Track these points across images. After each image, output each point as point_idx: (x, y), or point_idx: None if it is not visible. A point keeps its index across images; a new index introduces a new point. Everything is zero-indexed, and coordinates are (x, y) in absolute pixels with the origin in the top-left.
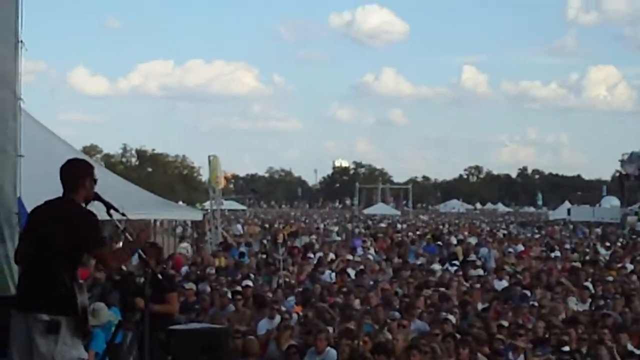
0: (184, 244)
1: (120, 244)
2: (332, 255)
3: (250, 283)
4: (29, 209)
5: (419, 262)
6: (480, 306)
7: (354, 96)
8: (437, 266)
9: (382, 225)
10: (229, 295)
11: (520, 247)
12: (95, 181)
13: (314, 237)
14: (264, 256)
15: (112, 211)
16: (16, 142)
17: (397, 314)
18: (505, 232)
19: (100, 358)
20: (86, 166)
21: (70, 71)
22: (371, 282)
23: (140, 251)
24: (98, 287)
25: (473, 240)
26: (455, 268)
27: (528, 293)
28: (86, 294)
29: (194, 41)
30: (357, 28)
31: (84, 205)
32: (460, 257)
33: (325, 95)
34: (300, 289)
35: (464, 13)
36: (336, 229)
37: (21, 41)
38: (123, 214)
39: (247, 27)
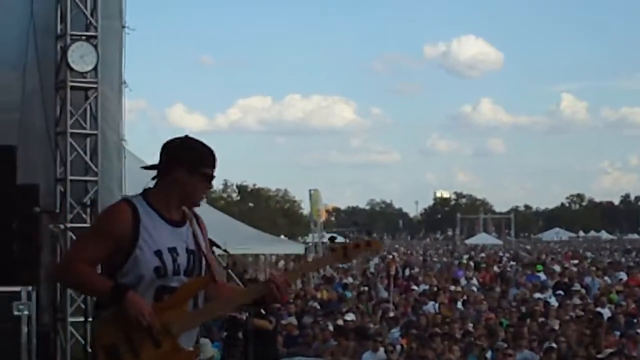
0: None
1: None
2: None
3: (352, 316)
4: None
5: (521, 292)
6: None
7: (453, 127)
8: (540, 295)
9: (484, 255)
10: (331, 328)
11: (624, 275)
12: None
13: (416, 269)
14: (367, 288)
15: (214, 247)
16: (121, 182)
17: (503, 344)
18: (610, 260)
19: None
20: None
21: (170, 108)
22: (474, 312)
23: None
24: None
25: (575, 269)
26: (559, 297)
27: (635, 320)
28: None
29: (291, 76)
30: (452, 59)
31: None
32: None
33: (423, 127)
34: (405, 321)
35: (559, 40)
36: (438, 259)
37: (125, 81)
38: (225, 250)
39: (343, 62)
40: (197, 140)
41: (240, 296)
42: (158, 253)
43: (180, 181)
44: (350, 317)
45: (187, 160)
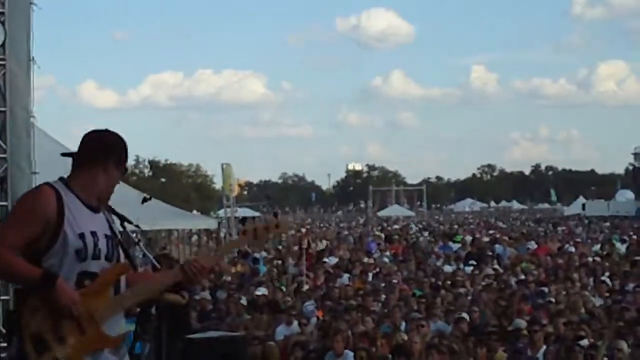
0: None
1: None
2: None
3: (265, 290)
4: None
5: (435, 263)
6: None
7: (364, 100)
8: (452, 266)
9: (397, 226)
10: (245, 302)
11: (534, 244)
12: None
13: (328, 241)
14: (280, 262)
15: (125, 223)
16: (30, 159)
17: (417, 315)
18: (523, 229)
19: None
20: None
21: (80, 85)
22: (383, 284)
23: (154, 261)
24: None
25: (487, 239)
26: (471, 267)
27: (545, 289)
28: None
29: (201, 52)
30: (363, 32)
31: None
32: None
33: (335, 100)
34: (320, 294)
35: (468, 13)
36: (351, 232)
37: (33, 58)
38: (137, 226)
39: (254, 36)
40: (120, 135)
41: (159, 281)
42: (81, 236)
43: (107, 173)
44: (262, 291)
45: (115, 155)
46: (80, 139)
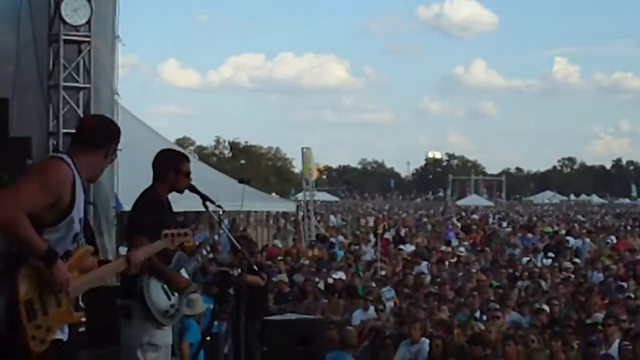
0: (277, 240)
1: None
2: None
3: (342, 275)
4: (125, 202)
5: (513, 253)
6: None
7: (445, 88)
8: (531, 257)
9: (475, 216)
10: (322, 286)
11: (614, 239)
12: (186, 173)
13: (406, 228)
14: (357, 247)
15: (207, 203)
16: None
17: (493, 305)
18: (601, 223)
19: (195, 348)
20: (172, 157)
21: (162, 64)
22: (460, 273)
23: (234, 242)
24: (203, 278)
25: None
26: (549, 260)
27: (624, 285)
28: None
29: (284, 34)
30: (446, 20)
31: (167, 195)
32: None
33: (416, 88)
34: (396, 280)
35: (551, 4)
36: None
37: (118, 36)
38: (219, 206)
39: (337, 21)
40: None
41: (106, 272)
42: (80, 220)
43: (106, 159)
44: (339, 275)
45: (116, 143)
46: (159, 117)
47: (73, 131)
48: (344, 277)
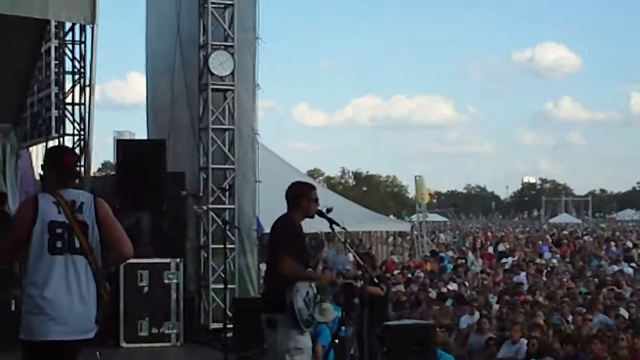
0: (394, 256)
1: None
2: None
3: (452, 285)
4: (266, 225)
5: (599, 264)
6: None
7: (537, 122)
8: (615, 267)
9: (565, 232)
10: (434, 295)
11: None
12: (314, 200)
13: (506, 244)
14: (463, 261)
15: (334, 225)
16: (255, 170)
17: (582, 309)
18: None
19: (326, 350)
20: (302, 188)
21: (294, 107)
22: (557, 282)
23: (358, 259)
24: (332, 290)
25: None
26: (631, 270)
27: None
28: (300, 293)
29: (398, 79)
30: (536, 62)
31: (301, 220)
32: (636, 259)
33: (512, 122)
34: (500, 289)
35: (631, 44)
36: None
37: (258, 84)
38: (343, 228)
39: (443, 66)
40: None
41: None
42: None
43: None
44: (452, 286)
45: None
46: (293, 152)
47: (220, 166)
48: (456, 288)
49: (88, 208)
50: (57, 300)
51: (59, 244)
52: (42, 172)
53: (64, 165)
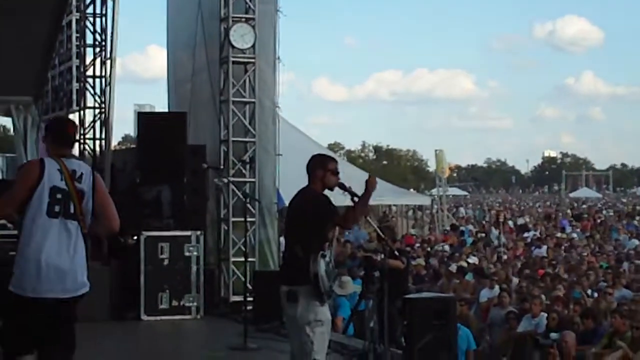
0: (414, 230)
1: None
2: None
3: (474, 259)
4: (287, 198)
5: (619, 238)
6: None
7: (558, 97)
8: (635, 241)
9: (585, 206)
10: (454, 269)
11: None
12: (333, 172)
13: (527, 217)
14: (483, 235)
15: (355, 198)
16: (276, 143)
17: (603, 284)
18: None
19: (346, 323)
20: (319, 159)
21: (315, 81)
22: (577, 256)
23: (378, 231)
24: (346, 265)
25: None
26: None
27: None
28: (322, 262)
29: (419, 53)
30: (557, 37)
31: (322, 192)
32: None
33: (533, 97)
34: (519, 263)
35: None
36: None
37: (278, 57)
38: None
39: (464, 40)
40: None
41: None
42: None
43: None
44: (472, 259)
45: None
46: (313, 126)
47: (241, 139)
48: (477, 262)
49: (87, 179)
50: (50, 260)
51: (57, 208)
52: (45, 137)
53: (66, 130)
